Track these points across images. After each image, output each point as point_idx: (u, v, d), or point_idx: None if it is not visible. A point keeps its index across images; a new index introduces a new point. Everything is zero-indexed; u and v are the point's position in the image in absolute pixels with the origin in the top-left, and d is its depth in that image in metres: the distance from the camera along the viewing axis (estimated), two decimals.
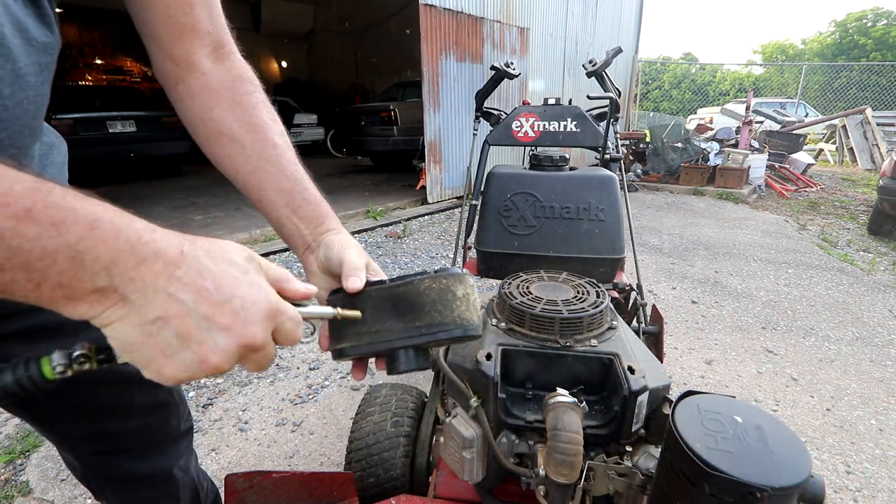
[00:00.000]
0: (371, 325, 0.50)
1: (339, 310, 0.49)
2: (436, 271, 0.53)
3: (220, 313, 0.36)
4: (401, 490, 1.07)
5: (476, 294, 0.54)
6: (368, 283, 0.52)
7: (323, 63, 13.89)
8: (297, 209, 0.59)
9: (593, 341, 0.83)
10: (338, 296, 0.52)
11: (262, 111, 0.60)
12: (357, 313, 0.50)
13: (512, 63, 1.86)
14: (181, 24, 0.57)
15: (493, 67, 1.85)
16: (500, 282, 1.02)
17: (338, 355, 0.51)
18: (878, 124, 9.14)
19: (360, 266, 0.54)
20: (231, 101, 0.59)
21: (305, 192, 0.60)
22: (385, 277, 0.55)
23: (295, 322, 0.42)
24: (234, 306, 0.37)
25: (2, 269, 0.29)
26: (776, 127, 8.99)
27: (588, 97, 1.78)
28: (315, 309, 0.47)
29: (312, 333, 0.48)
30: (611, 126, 1.83)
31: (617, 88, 1.87)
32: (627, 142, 7.50)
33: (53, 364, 0.37)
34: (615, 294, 1.45)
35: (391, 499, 0.86)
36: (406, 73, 10.05)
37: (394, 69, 11.14)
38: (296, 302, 0.45)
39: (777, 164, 7.49)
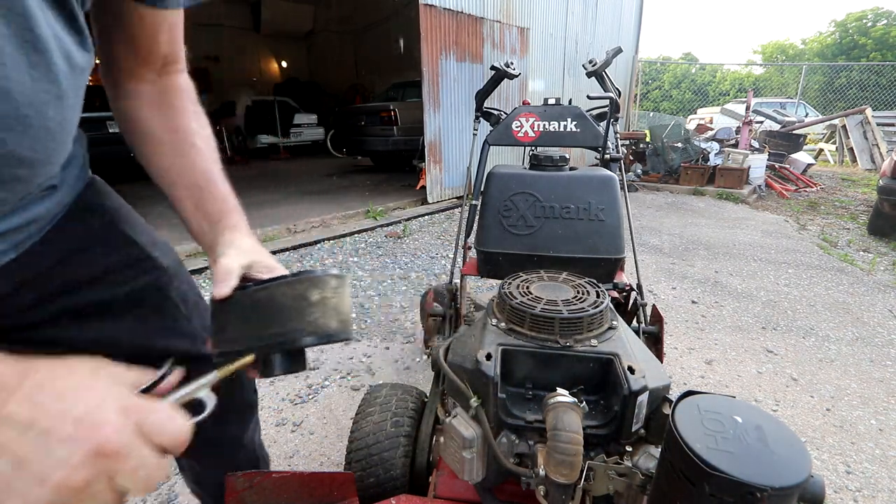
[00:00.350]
0: (232, 331, 0.50)
1: (217, 372, 0.47)
2: (294, 274, 0.51)
3: (62, 423, 0.32)
4: (401, 490, 1.07)
5: (341, 296, 0.52)
6: (240, 286, 0.52)
7: (323, 63, 13.89)
8: (201, 205, 0.60)
9: (593, 341, 0.83)
10: (214, 304, 0.52)
11: (187, 116, 0.63)
12: (249, 357, 0.49)
13: (512, 63, 1.86)
14: (142, 48, 0.60)
15: (493, 67, 1.85)
16: (500, 282, 1.02)
17: (215, 357, 0.50)
18: (878, 124, 9.14)
19: (232, 269, 0.53)
20: (160, 104, 0.62)
21: (213, 189, 0.61)
22: (283, 272, 0.55)
23: (162, 410, 0.37)
24: (75, 413, 0.33)
25: None
26: (776, 127, 8.98)
27: (588, 97, 1.78)
28: (190, 386, 0.44)
29: (205, 412, 0.45)
30: (611, 126, 1.83)
31: (617, 88, 1.87)
32: (627, 142, 7.50)
33: None
34: (615, 294, 1.45)
35: (391, 499, 0.86)
36: (406, 74, 10.06)
37: (394, 69, 11.15)
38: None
39: (777, 164, 7.49)
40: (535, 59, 7.16)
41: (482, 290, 2.99)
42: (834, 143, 10.18)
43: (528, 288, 0.95)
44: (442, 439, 0.88)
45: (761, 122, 9.12)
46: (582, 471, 0.69)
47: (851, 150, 9.22)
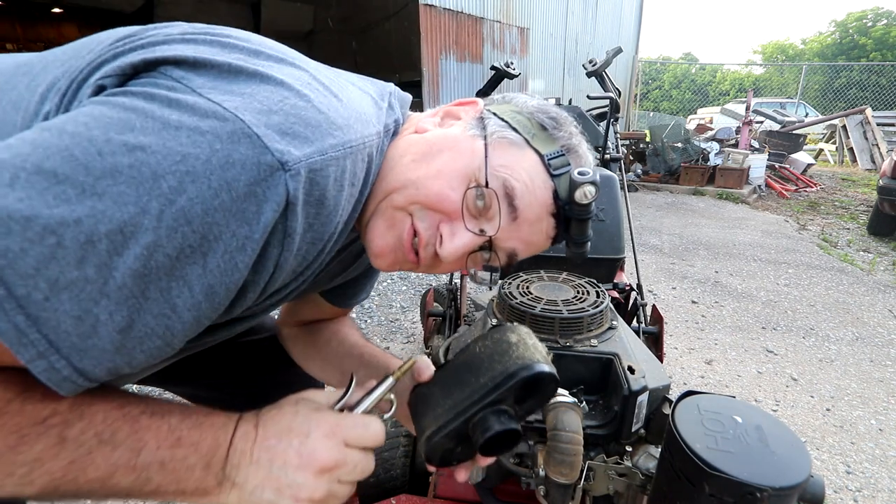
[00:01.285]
0: (443, 402, 0.51)
1: (396, 371, 0.52)
2: (485, 332, 0.55)
3: (288, 459, 0.45)
4: (401, 490, 1.07)
5: (533, 339, 0.54)
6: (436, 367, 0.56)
7: (323, 63, 13.86)
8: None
9: (593, 341, 0.83)
10: (413, 393, 0.56)
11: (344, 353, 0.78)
12: (412, 361, 0.53)
13: (512, 63, 1.86)
14: (325, 317, 0.82)
15: (493, 67, 1.85)
16: (500, 282, 1.02)
17: (428, 446, 0.51)
18: (878, 124, 9.14)
19: (426, 360, 0.59)
20: (319, 355, 0.79)
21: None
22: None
23: (357, 422, 0.48)
24: (294, 448, 0.45)
25: (159, 484, 0.42)
26: (776, 127, 8.99)
27: (588, 97, 1.78)
28: (373, 395, 0.51)
29: (391, 409, 0.53)
30: (611, 126, 1.83)
31: (617, 88, 1.87)
32: (627, 142, 7.50)
33: None
34: (615, 294, 1.45)
35: (391, 499, 0.86)
36: (406, 74, 10.05)
37: (394, 69, 11.15)
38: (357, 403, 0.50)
39: (777, 164, 7.49)
40: (535, 59, 7.16)
41: (482, 290, 2.99)
42: (834, 143, 10.19)
43: (527, 288, 0.95)
44: None
45: (761, 122, 9.12)
46: (582, 471, 0.69)
47: (851, 150, 9.22)
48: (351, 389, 0.51)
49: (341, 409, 0.50)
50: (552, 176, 0.53)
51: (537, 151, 0.53)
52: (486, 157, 0.51)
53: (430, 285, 3.25)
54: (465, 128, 0.55)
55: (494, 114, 0.56)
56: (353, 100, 0.49)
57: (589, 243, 0.59)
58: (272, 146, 0.38)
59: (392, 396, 0.53)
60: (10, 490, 0.37)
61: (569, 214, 0.54)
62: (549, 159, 0.53)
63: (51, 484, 0.38)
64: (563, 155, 0.54)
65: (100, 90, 0.41)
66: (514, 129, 0.54)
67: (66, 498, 0.40)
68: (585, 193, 0.51)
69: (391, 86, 0.59)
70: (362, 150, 0.46)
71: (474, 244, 0.53)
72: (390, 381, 0.52)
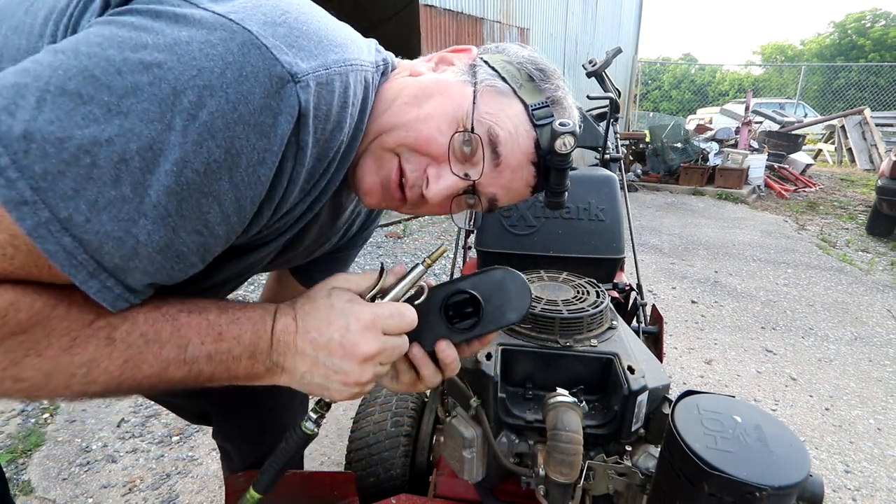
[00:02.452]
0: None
1: (427, 259, 0.54)
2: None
3: (332, 350, 0.48)
4: (401, 489, 1.08)
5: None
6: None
7: None
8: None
9: (593, 341, 0.83)
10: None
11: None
12: (442, 248, 0.56)
13: None
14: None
15: None
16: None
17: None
18: (876, 125, 9.15)
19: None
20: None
21: None
22: None
23: (393, 311, 0.50)
24: (336, 340, 0.48)
25: (213, 373, 0.46)
26: (775, 127, 9.00)
27: (588, 97, 1.78)
28: (404, 281, 0.53)
29: (422, 296, 0.55)
30: (611, 126, 1.83)
31: (617, 88, 1.87)
32: (627, 142, 7.50)
33: (309, 427, 0.55)
34: (615, 294, 1.45)
35: (391, 498, 0.86)
36: None
37: None
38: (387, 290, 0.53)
39: (776, 165, 7.50)
40: None
41: None
42: (833, 143, 10.20)
43: None
44: (442, 439, 0.88)
45: (760, 123, 9.13)
46: (582, 470, 0.70)
47: (850, 150, 9.23)
48: (383, 278, 0.53)
49: (373, 298, 0.52)
50: (535, 126, 0.54)
51: (523, 101, 0.54)
52: (473, 103, 0.53)
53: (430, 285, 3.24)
54: (456, 73, 0.56)
55: (486, 62, 0.57)
56: (345, 28, 0.51)
57: (566, 193, 0.61)
58: (281, 58, 0.39)
59: (423, 283, 0.55)
60: (77, 389, 0.41)
61: (549, 164, 0.56)
62: (533, 109, 0.54)
63: (112, 382, 0.41)
64: (548, 106, 0.55)
65: (105, 7, 0.42)
66: (503, 79, 0.55)
67: (132, 392, 0.44)
68: (565, 143, 0.53)
69: (373, 40, 0.61)
70: (360, 72, 0.48)
71: (458, 187, 0.55)
72: (420, 268, 0.54)
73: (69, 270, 0.36)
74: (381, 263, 0.55)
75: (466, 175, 0.54)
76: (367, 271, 0.55)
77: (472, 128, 0.52)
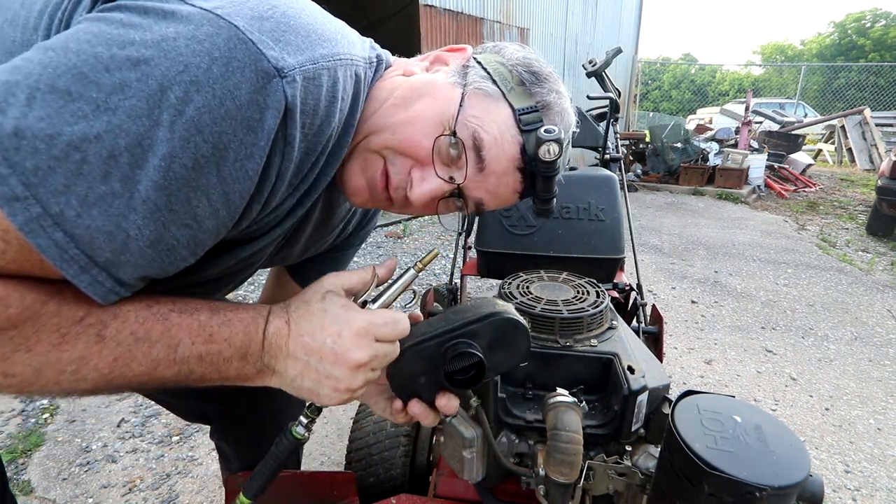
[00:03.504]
0: (424, 330, 0.55)
1: (418, 263, 0.53)
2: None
3: (324, 355, 0.48)
4: (401, 489, 1.08)
5: (516, 312, 0.58)
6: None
7: None
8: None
9: (593, 341, 0.83)
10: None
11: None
12: (434, 252, 0.55)
13: None
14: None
15: None
16: (500, 282, 1.02)
17: (397, 364, 0.53)
18: (876, 125, 9.15)
19: (417, 313, 0.62)
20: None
21: None
22: None
23: (386, 319, 0.50)
24: (328, 346, 0.48)
25: (203, 373, 0.46)
26: (775, 127, 8.99)
27: (588, 97, 1.78)
28: (395, 286, 0.52)
29: (413, 300, 0.55)
30: (611, 126, 1.83)
31: (617, 89, 1.87)
32: (627, 142, 7.51)
33: (299, 432, 0.55)
34: (615, 294, 1.45)
35: (391, 498, 0.86)
36: None
37: None
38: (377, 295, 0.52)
39: (776, 165, 7.50)
40: None
41: (482, 290, 2.99)
42: (833, 143, 10.19)
43: (528, 288, 0.95)
44: (442, 439, 0.88)
45: (760, 123, 9.13)
46: (582, 470, 0.70)
47: (850, 150, 9.23)
48: (373, 284, 0.53)
49: (364, 303, 0.52)
50: (522, 131, 0.53)
51: (511, 105, 0.53)
52: (460, 105, 0.52)
53: (430, 285, 3.25)
54: (448, 75, 0.55)
55: (480, 63, 0.56)
56: (338, 24, 0.50)
57: (554, 200, 0.61)
58: (267, 52, 0.39)
59: (415, 288, 0.55)
60: (67, 386, 0.41)
61: (534, 171, 0.55)
62: (520, 114, 0.53)
63: (102, 379, 0.42)
64: (537, 111, 0.54)
65: (95, 2, 0.42)
66: (494, 81, 0.54)
67: (121, 390, 0.44)
68: (549, 150, 0.52)
69: (369, 39, 0.60)
70: (350, 67, 0.47)
71: (442, 190, 0.54)
72: (412, 272, 0.53)
73: (60, 265, 0.36)
74: (373, 266, 0.55)
75: (451, 178, 0.54)
76: (358, 269, 0.54)
77: (455, 132, 0.51)
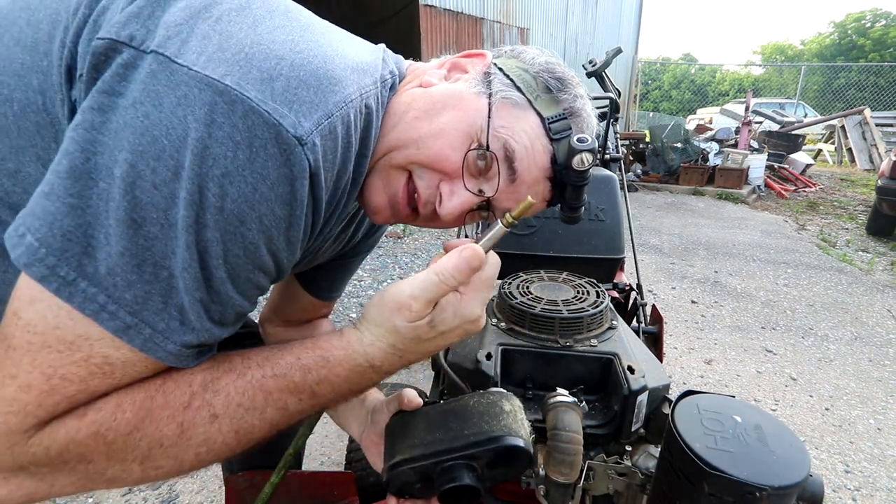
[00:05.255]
0: (422, 437, 0.53)
1: (508, 215, 0.48)
2: (483, 391, 0.57)
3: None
4: None
5: (523, 414, 0.56)
6: (424, 403, 0.58)
7: None
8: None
9: (593, 341, 0.83)
10: (395, 417, 0.58)
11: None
12: (529, 199, 0.47)
13: None
14: (307, 315, 0.86)
15: None
16: (499, 282, 1.02)
17: (392, 471, 0.52)
18: (876, 125, 9.15)
19: (413, 392, 0.64)
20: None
21: None
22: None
23: (489, 283, 0.49)
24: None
25: (327, 407, 0.51)
26: (775, 127, 8.99)
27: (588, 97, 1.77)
28: (485, 241, 0.49)
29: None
30: (611, 126, 1.83)
31: (617, 88, 1.87)
32: (627, 142, 7.50)
33: None
34: (615, 294, 1.45)
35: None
36: None
37: None
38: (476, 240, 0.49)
39: (776, 165, 7.50)
40: None
41: None
42: (833, 143, 10.19)
43: (528, 288, 0.95)
44: None
45: (760, 123, 9.13)
46: (582, 470, 0.70)
47: (850, 150, 9.23)
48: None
49: None
50: (552, 140, 0.53)
51: (539, 114, 0.52)
52: (489, 117, 0.51)
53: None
54: (470, 84, 0.54)
55: (501, 69, 0.55)
56: (346, 50, 0.48)
57: (583, 208, 0.59)
58: (284, 122, 0.39)
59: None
60: (211, 460, 0.45)
61: (565, 180, 0.54)
62: (550, 122, 0.52)
63: (235, 447, 0.45)
64: (565, 118, 0.53)
65: (97, 56, 0.39)
66: (519, 89, 0.53)
67: (256, 446, 0.47)
68: (583, 160, 0.51)
69: (382, 45, 0.59)
70: (361, 101, 0.47)
71: (472, 203, 0.54)
72: (500, 226, 0.49)
73: (177, 364, 0.42)
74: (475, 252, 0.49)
75: (481, 191, 0.53)
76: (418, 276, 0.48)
77: (488, 144, 0.50)
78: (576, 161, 0.51)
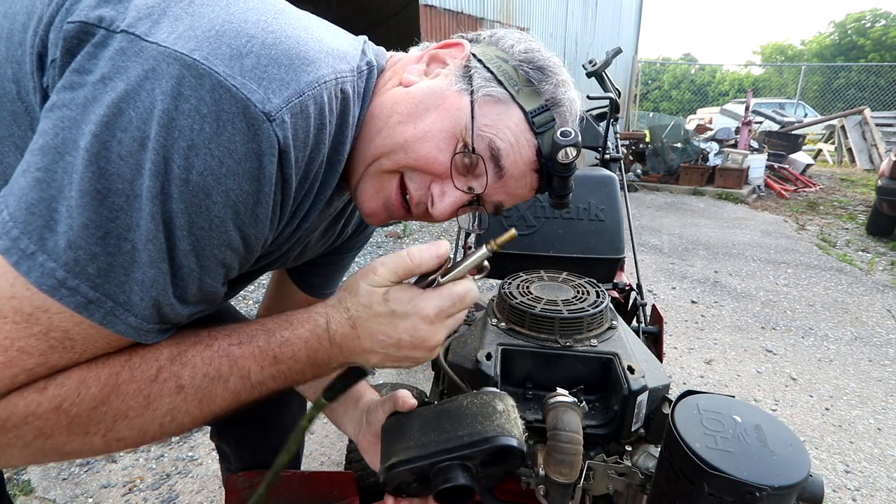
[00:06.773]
0: (417, 438, 0.54)
1: (492, 242, 0.49)
2: (477, 391, 0.57)
3: (402, 345, 0.49)
4: None
5: (516, 413, 0.56)
6: (423, 403, 0.59)
7: None
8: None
9: (593, 341, 0.83)
10: (391, 418, 0.59)
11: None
12: (513, 231, 0.49)
13: None
14: (306, 303, 0.81)
15: None
16: (500, 282, 1.02)
17: (389, 472, 0.53)
18: (876, 125, 9.15)
19: (407, 393, 0.65)
20: None
21: None
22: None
23: (454, 297, 0.49)
24: (406, 340, 0.49)
25: (285, 384, 0.50)
26: (775, 127, 8.99)
27: (588, 97, 1.78)
28: (464, 265, 0.50)
29: (481, 273, 0.53)
30: (611, 126, 1.83)
31: (617, 89, 1.87)
32: (627, 142, 7.50)
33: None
34: (615, 294, 1.45)
35: None
36: None
37: None
38: (449, 269, 0.50)
39: (776, 165, 7.50)
40: None
41: (482, 290, 2.99)
42: (833, 143, 10.19)
43: (528, 288, 0.95)
44: None
45: (760, 123, 9.12)
46: (582, 470, 0.70)
47: (850, 150, 9.23)
48: (441, 269, 0.51)
49: (433, 282, 0.50)
50: (536, 134, 0.53)
51: (522, 108, 0.53)
52: (472, 117, 0.51)
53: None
54: (451, 80, 0.53)
55: (481, 61, 0.54)
56: (322, 35, 0.48)
57: (571, 194, 0.61)
58: (252, 97, 0.39)
59: (486, 264, 0.52)
60: (173, 431, 0.46)
61: (551, 171, 0.55)
62: (532, 116, 0.53)
63: (198, 418, 0.46)
64: (548, 109, 0.53)
65: (69, 41, 0.40)
66: (500, 83, 0.53)
67: (220, 418, 0.48)
68: (567, 153, 0.52)
69: (363, 37, 0.59)
70: (336, 86, 0.46)
71: (463, 201, 0.55)
72: (484, 250, 0.50)
73: (138, 339, 0.42)
74: (442, 244, 0.50)
75: (470, 188, 0.54)
76: (421, 247, 0.49)
77: (473, 146, 0.51)
78: (560, 155, 0.52)
